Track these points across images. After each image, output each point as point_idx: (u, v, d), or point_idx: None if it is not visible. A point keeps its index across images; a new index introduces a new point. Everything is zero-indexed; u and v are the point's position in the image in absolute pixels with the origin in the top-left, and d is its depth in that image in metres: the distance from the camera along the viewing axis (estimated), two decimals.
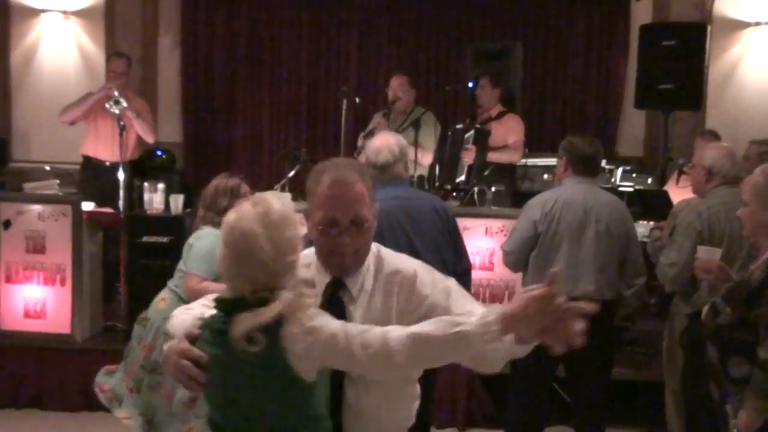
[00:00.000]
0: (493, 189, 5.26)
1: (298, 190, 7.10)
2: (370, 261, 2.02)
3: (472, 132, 5.51)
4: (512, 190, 5.85)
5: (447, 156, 5.66)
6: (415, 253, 2.32)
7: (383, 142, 3.37)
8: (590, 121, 7.53)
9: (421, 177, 5.45)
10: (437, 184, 5.63)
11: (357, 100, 6.08)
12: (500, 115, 5.80)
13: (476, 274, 4.72)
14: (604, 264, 3.62)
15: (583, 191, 3.68)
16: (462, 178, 5.49)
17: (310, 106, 7.78)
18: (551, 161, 5.93)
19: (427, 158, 5.50)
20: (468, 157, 5.42)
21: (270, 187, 7.04)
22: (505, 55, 6.55)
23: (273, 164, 7.61)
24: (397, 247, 2.18)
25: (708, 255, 3.25)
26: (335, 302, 1.98)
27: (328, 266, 2.00)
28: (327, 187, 1.96)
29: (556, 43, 7.56)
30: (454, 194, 5.67)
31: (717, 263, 3.21)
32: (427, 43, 7.65)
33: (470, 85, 6.14)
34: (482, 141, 5.51)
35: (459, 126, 5.72)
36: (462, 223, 4.68)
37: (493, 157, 5.58)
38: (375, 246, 2.06)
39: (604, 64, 7.54)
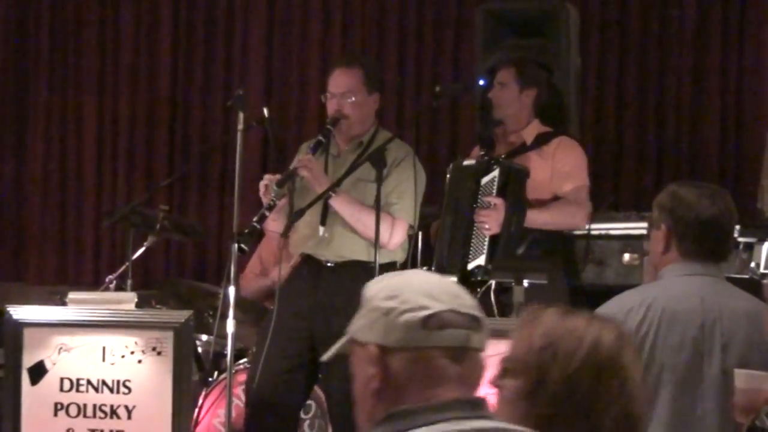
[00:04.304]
0: (525, 283, 5.27)
1: (156, 285, 7.07)
2: None
3: (495, 173, 5.55)
4: (569, 281, 5.89)
5: (450, 221, 5.67)
6: None
7: None
8: (710, 154, 7.60)
9: (391, 265, 5.36)
10: (432, 270, 5.62)
11: (265, 112, 6.03)
12: (541, 141, 5.85)
13: None
14: (737, 423, 3.67)
15: (701, 290, 3.72)
16: (480, 260, 5.54)
17: (175, 125, 7.89)
18: (637, 228, 6.02)
19: (398, 234, 5.40)
20: (493, 221, 5.47)
21: (96, 280, 7.01)
22: (545, 26, 6.65)
23: (104, 233, 7.59)
24: None
25: (754, 383, 3.36)
26: None
27: None
28: None
29: (641, 6, 7.74)
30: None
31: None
32: (399, 5, 7.79)
33: (481, 83, 6.20)
34: (515, 189, 5.56)
35: (468, 162, 5.74)
36: None
37: (537, 219, 5.67)
38: None
39: (732, 48, 7.65)
